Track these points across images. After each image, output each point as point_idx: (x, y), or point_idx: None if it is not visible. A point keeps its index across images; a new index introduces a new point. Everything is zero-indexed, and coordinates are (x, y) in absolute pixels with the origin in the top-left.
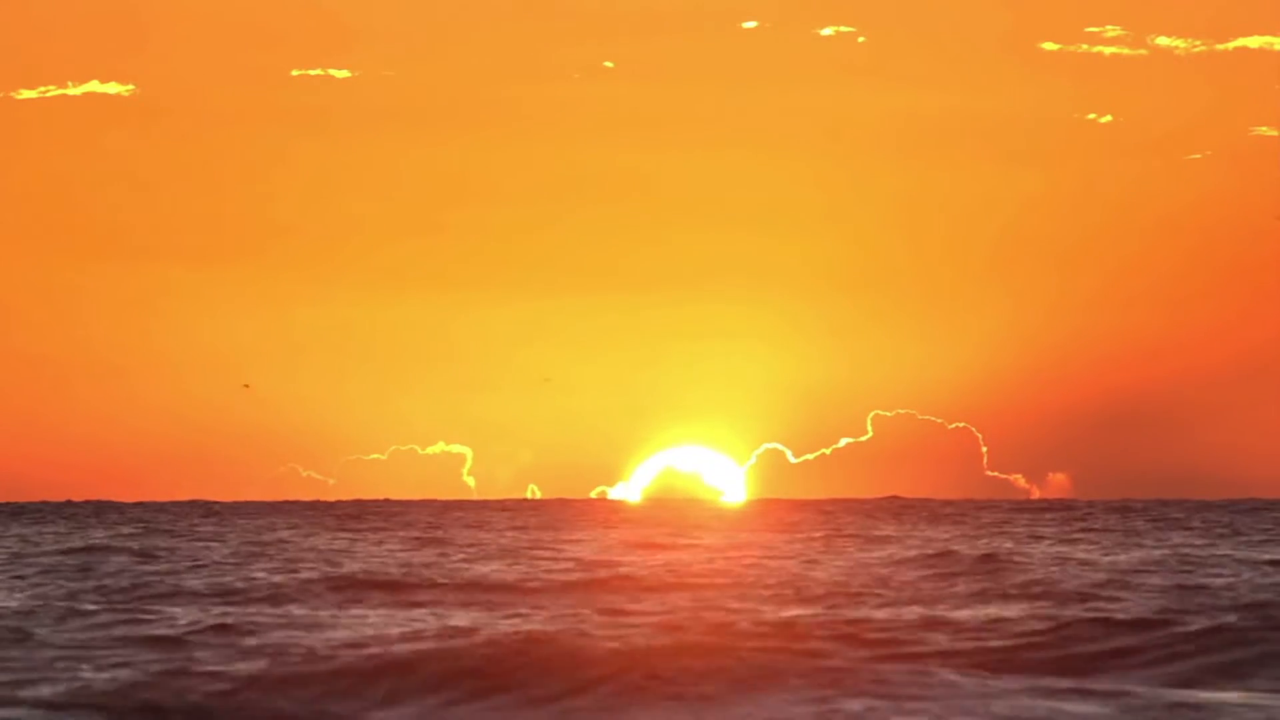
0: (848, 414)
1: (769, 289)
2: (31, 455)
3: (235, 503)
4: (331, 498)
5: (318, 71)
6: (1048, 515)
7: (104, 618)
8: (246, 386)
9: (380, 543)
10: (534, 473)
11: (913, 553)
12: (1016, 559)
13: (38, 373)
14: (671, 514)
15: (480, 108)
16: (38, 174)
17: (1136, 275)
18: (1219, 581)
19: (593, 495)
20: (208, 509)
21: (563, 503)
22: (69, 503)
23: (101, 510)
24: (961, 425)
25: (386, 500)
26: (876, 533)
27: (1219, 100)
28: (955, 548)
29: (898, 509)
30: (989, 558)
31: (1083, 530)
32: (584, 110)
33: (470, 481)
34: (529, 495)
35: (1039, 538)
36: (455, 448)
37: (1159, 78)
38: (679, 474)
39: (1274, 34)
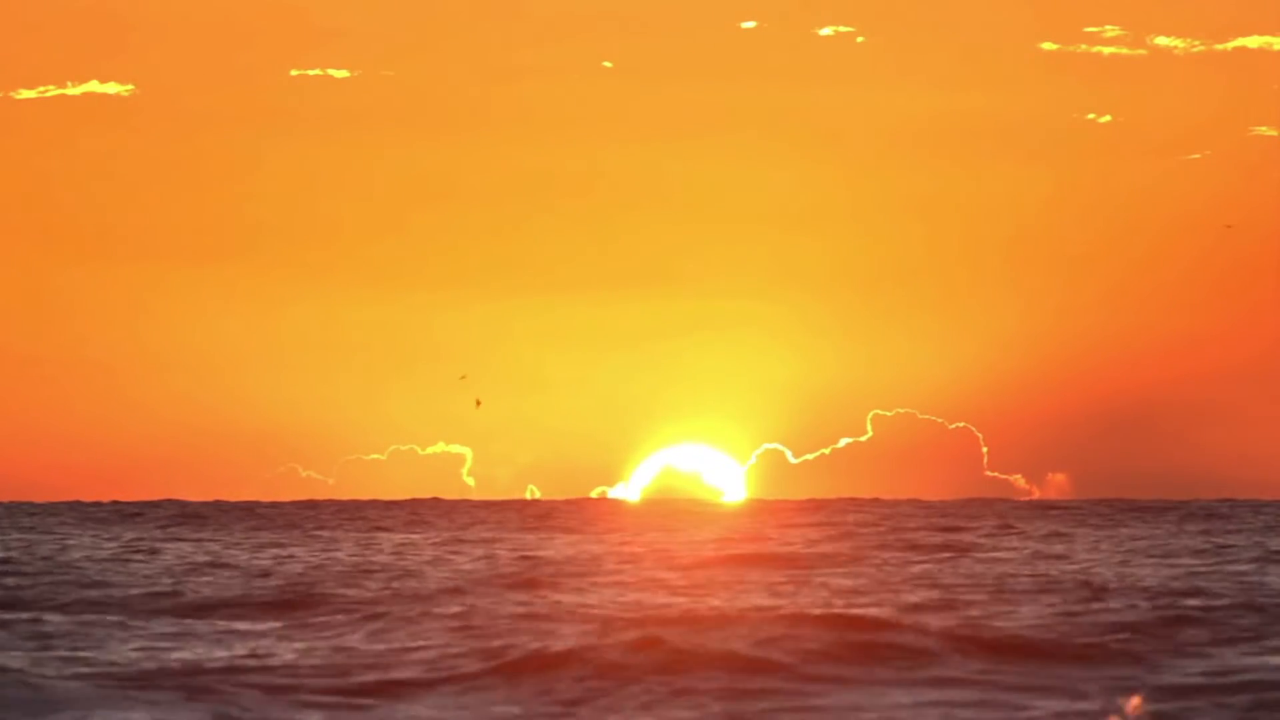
0: (848, 414)
1: (769, 288)
2: (22, 456)
3: (222, 502)
4: (330, 497)
5: (316, 71)
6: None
7: None
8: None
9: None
10: (533, 473)
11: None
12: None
13: (29, 373)
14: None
15: (478, 106)
16: (37, 174)
17: (1136, 276)
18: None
19: (593, 495)
20: (183, 509)
21: (541, 502)
22: (27, 503)
23: (59, 510)
24: (962, 425)
25: (348, 500)
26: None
27: (1219, 100)
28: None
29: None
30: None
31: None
32: (583, 109)
33: (470, 481)
34: (528, 495)
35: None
36: (455, 448)
37: (1159, 78)
38: (679, 474)
39: (1274, 34)
